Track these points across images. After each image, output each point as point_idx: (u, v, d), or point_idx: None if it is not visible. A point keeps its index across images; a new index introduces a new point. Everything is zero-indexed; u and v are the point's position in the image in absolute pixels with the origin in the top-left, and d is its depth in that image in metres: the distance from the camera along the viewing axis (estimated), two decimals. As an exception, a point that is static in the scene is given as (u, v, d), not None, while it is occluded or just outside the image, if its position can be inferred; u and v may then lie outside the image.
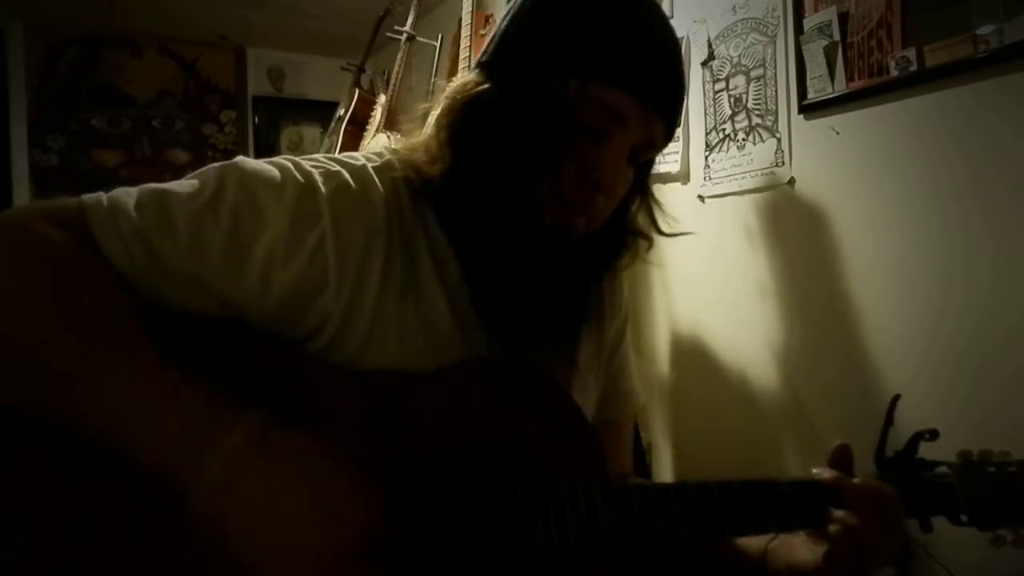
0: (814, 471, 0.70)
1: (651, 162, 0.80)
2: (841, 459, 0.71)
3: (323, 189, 0.66)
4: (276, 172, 0.66)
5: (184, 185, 0.65)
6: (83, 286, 0.59)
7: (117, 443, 0.56)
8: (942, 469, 0.71)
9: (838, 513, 0.66)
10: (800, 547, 0.70)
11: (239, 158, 0.68)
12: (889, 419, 0.73)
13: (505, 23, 0.74)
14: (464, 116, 0.71)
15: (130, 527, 0.59)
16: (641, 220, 0.82)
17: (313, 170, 0.67)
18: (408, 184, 0.72)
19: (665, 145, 0.76)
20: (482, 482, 0.65)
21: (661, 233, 0.83)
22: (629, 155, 0.71)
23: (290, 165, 0.67)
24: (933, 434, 0.71)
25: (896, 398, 0.74)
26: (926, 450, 0.72)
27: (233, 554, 0.55)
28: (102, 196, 0.64)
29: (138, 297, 0.62)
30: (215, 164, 0.67)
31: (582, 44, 0.68)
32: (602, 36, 0.68)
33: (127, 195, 0.64)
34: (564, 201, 0.70)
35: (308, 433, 0.59)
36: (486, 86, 0.71)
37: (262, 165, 0.67)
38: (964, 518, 0.70)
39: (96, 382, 0.56)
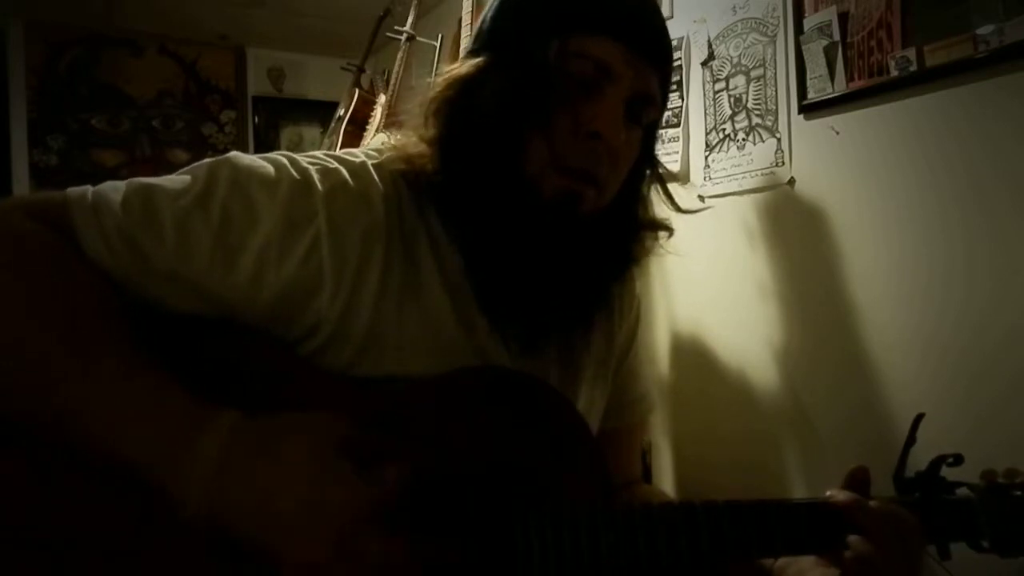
0: (829, 493, 0.66)
1: (656, 128, 0.76)
2: (857, 481, 0.68)
3: (319, 187, 0.63)
4: (271, 168, 0.64)
5: (174, 180, 0.63)
6: (59, 288, 0.57)
7: (97, 451, 0.54)
8: (963, 491, 0.67)
9: (853, 539, 0.62)
10: (809, 569, 0.67)
11: (233, 153, 0.65)
12: (911, 439, 0.69)
13: (481, 18, 0.74)
14: (448, 97, 0.69)
15: (113, 535, 0.57)
16: (653, 203, 0.79)
17: (310, 167, 0.65)
18: (407, 179, 0.69)
19: (663, 104, 0.74)
20: (479, 501, 0.61)
21: (678, 209, 0.80)
22: (626, 109, 0.68)
23: (286, 161, 0.65)
24: (957, 459, 0.67)
25: (919, 417, 0.70)
26: (928, 448, 0.71)
27: (239, 545, 0.53)
28: (88, 190, 0.61)
29: (121, 297, 0.60)
30: (207, 159, 0.64)
31: (556, 3, 0.68)
32: None
33: (114, 190, 0.61)
34: (565, 165, 0.67)
35: (289, 417, 0.57)
36: (470, 63, 0.70)
37: (256, 161, 0.65)
38: (985, 544, 0.66)
39: (71, 391, 0.54)
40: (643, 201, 0.78)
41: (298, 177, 0.63)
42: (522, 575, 0.60)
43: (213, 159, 0.65)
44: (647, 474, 1.79)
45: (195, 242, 0.60)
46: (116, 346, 0.57)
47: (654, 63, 0.70)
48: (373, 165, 0.69)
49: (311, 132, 3.97)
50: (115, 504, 0.56)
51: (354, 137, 2.60)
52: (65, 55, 3.50)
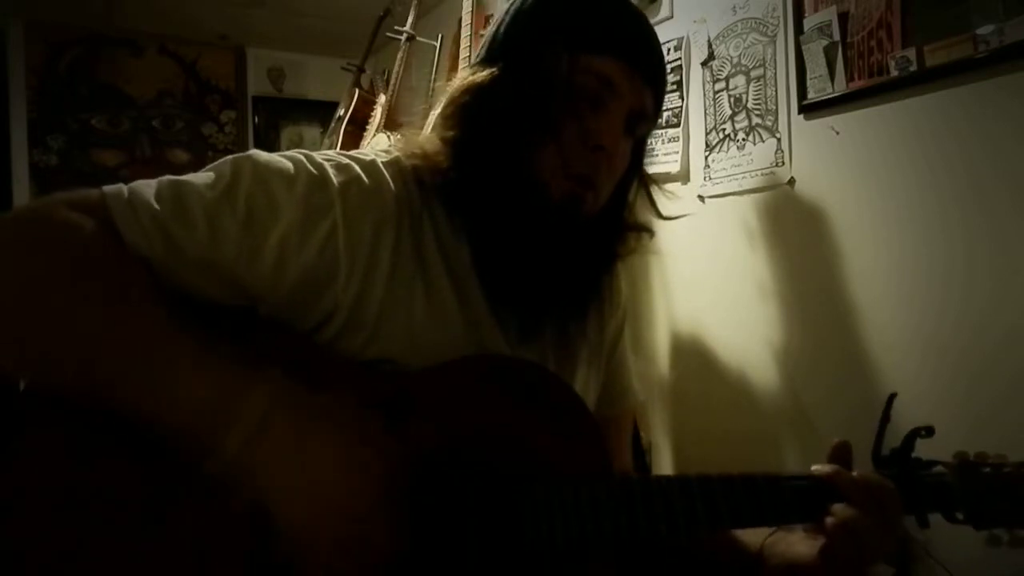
0: (814, 467, 0.70)
1: (646, 141, 0.83)
2: (840, 455, 0.72)
3: (335, 181, 0.68)
4: (289, 164, 0.68)
5: (200, 176, 0.68)
6: (108, 266, 0.62)
7: (144, 408, 0.59)
8: (938, 468, 0.72)
9: (836, 506, 0.67)
10: (798, 542, 0.71)
11: (253, 150, 0.70)
12: (886, 417, 0.74)
13: (494, 26, 0.80)
14: (466, 102, 0.75)
15: (144, 508, 0.61)
16: (640, 207, 0.85)
17: (325, 163, 0.70)
18: (417, 178, 0.75)
19: (655, 120, 0.81)
20: (486, 476, 0.66)
21: (660, 216, 0.86)
22: (625, 123, 0.75)
23: (303, 158, 0.70)
24: (929, 431, 0.71)
25: (892, 396, 0.74)
26: (924, 448, 0.72)
27: (264, 505, 0.58)
28: (123, 187, 0.66)
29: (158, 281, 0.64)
30: (230, 156, 0.69)
31: (568, 22, 0.75)
32: (585, 11, 0.75)
33: (147, 186, 0.66)
34: (570, 171, 0.73)
35: (327, 389, 0.62)
36: (485, 72, 0.75)
37: (275, 157, 0.69)
38: (960, 516, 0.70)
39: (123, 350, 0.59)
40: (629, 206, 0.84)
41: (315, 172, 0.68)
42: (527, 551, 0.64)
43: (235, 156, 0.69)
44: (647, 474, 1.79)
45: (223, 233, 0.64)
46: (162, 311, 0.61)
47: (650, 82, 0.77)
48: (383, 163, 0.74)
49: (311, 132, 3.98)
50: (146, 478, 0.61)
51: (354, 137, 2.61)
52: (65, 55, 3.50)
